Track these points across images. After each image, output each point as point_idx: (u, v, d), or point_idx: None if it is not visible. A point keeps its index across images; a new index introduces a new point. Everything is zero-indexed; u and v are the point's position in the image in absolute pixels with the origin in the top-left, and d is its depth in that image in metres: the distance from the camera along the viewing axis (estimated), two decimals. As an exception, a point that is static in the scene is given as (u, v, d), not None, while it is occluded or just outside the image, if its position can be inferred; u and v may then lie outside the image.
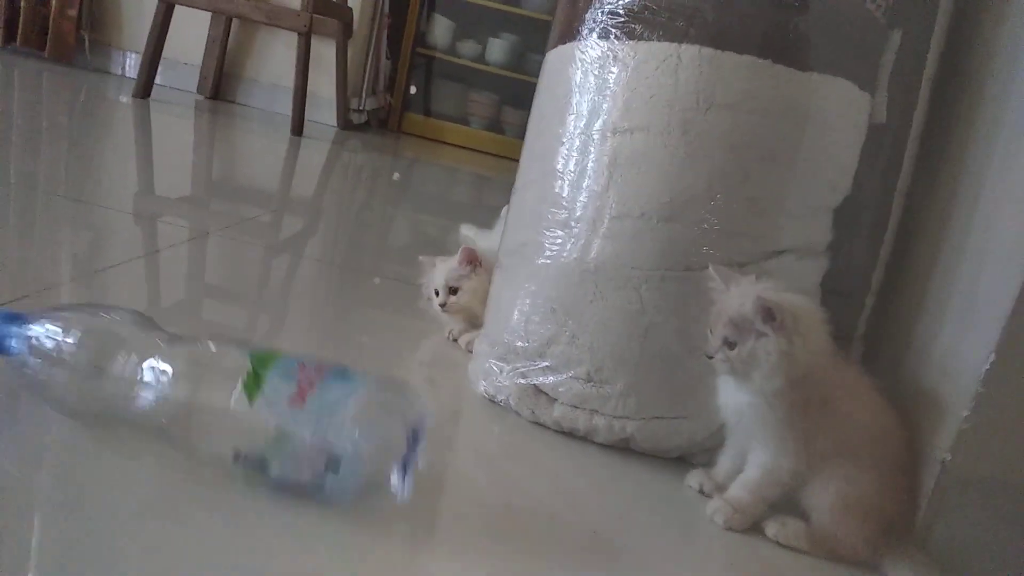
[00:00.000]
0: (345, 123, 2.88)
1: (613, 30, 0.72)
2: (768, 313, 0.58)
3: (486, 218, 1.18)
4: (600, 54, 0.73)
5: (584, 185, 0.74)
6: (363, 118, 3.16)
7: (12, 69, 2.49)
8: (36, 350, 0.54)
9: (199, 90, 2.88)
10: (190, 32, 2.77)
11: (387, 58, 3.28)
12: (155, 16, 2.43)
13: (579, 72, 0.75)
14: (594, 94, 0.73)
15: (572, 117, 0.76)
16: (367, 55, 3.12)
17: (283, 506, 0.51)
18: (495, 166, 2.94)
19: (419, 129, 3.50)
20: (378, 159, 2.42)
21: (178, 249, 1.07)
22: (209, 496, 0.51)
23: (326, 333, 0.93)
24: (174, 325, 0.59)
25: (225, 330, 0.84)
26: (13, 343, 0.55)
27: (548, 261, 0.75)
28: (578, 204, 0.74)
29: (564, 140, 0.76)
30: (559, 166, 0.76)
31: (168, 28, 2.46)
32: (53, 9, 2.81)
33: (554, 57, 0.81)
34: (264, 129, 2.46)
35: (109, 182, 1.38)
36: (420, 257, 0.99)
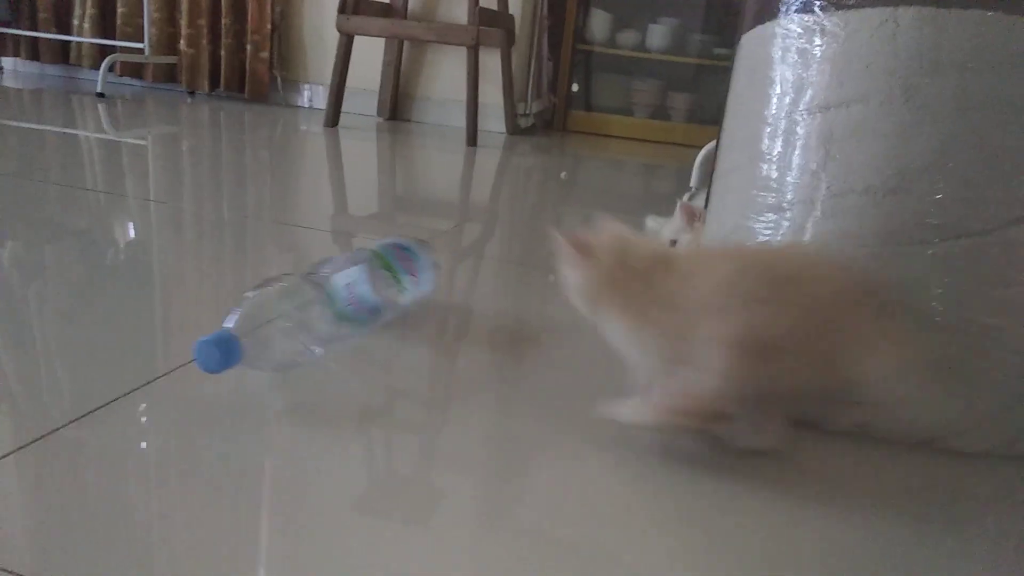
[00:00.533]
0: (513, 128, 2.96)
1: (817, 2, 0.70)
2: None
3: (661, 207, 1.17)
4: (804, 29, 0.71)
5: (795, 165, 0.72)
6: (530, 121, 3.23)
7: (219, 112, 2.78)
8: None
9: (378, 113, 3.07)
10: (367, 60, 2.96)
11: (548, 59, 3.33)
12: (338, 49, 2.62)
13: (780, 50, 0.74)
14: (800, 71, 0.72)
15: (776, 98, 0.74)
16: (529, 59, 3.18)
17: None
18: (662, 153, 2.91)
19: (583, 125, 3.52)
20: (546, 160, 2.47)
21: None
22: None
23: (516, 320, 0.97)
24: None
25: (423, 327, 0.90)
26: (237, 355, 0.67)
27: (762, 246, 0.74)
28: (789, 185, 0.72)
29: (769, 122, 0.75)
30: (765, 148, 0.75)
31: (350, 59, 2.65)
32: (248, 54, 3.10)
33: (751, 39, 0.80)
34: (440, 143, 2.58)
35: (307, 205, 1.52)
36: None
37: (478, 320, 0.97)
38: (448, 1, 3.01)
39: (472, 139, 2.53)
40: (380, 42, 3.01)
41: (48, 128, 2.12)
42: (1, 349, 0.74)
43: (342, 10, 2.60)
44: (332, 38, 3.09)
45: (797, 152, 0.72)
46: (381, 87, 3.06)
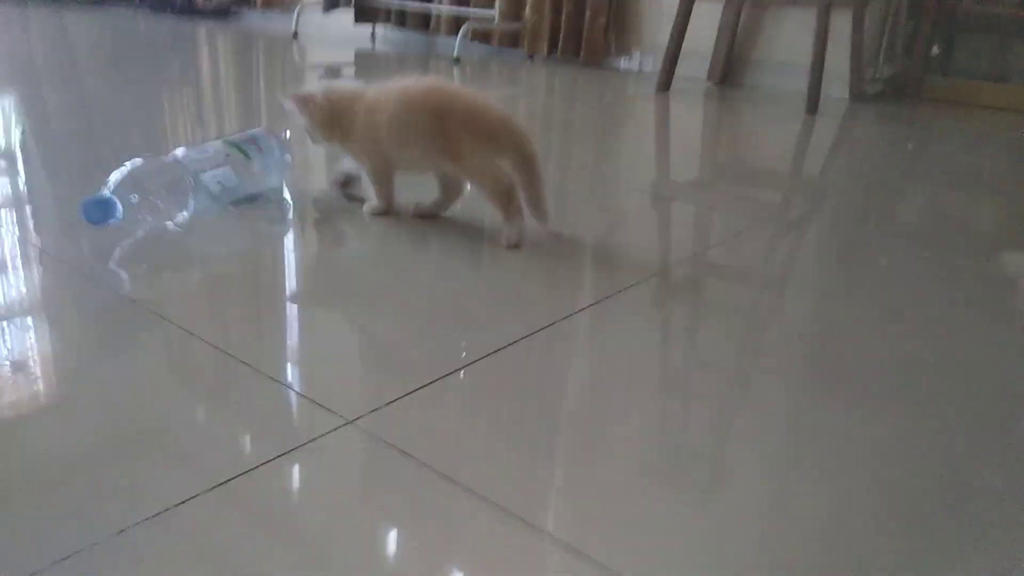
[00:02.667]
0: (859, 95, 2.69)
1: None
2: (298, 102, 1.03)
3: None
4: None
5: None
6: (878, 87, 2.91)
7: (554, 75, 2.90)
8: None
9: (709, 77, 2.98)
10: (702, 24, 2.88)
11: (907, 19, 2.96)
12: (678, 11, 2.59)
13: None
14: None
15: None
16: (885, 19, 2.85)
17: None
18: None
19: (943, 93, 3.09)
20: (891, 130, 2.21)
21: (681, 218, 1.13)
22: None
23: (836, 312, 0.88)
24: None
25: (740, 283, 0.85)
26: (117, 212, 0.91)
27: None
28: None
29: None
30: None
31: (688, 23, 2.60)
32: (587, 20, 3.19)
33: None
34: (774, 110, 2.43)
35: (630, 167, 1.52)
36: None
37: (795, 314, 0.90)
38: (797, -43, 2.80)
39: (813, 106, 2.34)
40: (718, 5, 2.91)
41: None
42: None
43: (683, -28, 2.55)
44: (667, 3, 3.05)
45: None
46: (715, 50, 2.96)
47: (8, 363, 0.64)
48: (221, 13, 4.72)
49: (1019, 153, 2.03)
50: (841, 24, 2.65)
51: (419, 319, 0.77)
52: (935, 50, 3.12)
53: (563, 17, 3.25)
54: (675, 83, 2.76)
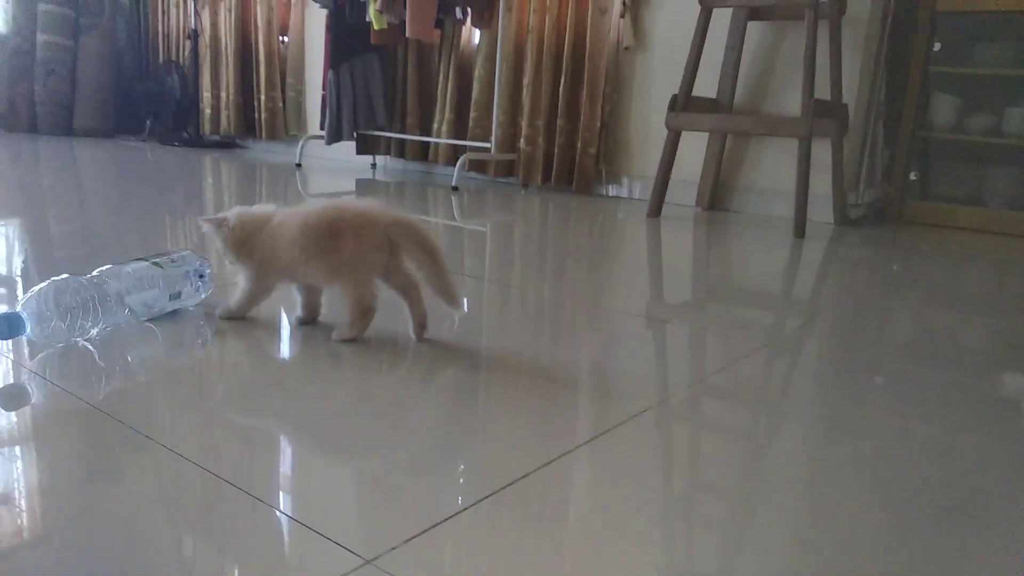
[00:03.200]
0: (842, 219, 2.78)
1: None
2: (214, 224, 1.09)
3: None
4: None
5: None
6: (861, 212, 3.01)
7: (548, 203, 3.00)
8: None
9: (697, 203, 3.08)
10: (688, 152, 3.01)
11: (884, 147, 3.10)
12: (665, 144, 2.71)
13: None
14: None
15: None
16: (863, 147, 2.99)
17: None
18: (1022, 248, 2.52)
19: (922, 216, 3.19)
20: (879, 253, 2.27)
21: (677, 341, 1.14)
22: None
23: (836, 424, 0.88)
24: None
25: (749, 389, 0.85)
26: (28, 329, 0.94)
27: None
28: None
29: None
30: None
31: (676, 153, 2.72)
32: (578, 150, 3.33)
33: None
34: (762, 233, 2.50)
35: (623, 289, 1.55)
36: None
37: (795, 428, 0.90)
38: (775, 92, 2.97)
39: (800, 230, 2.42)
40: (703, 135, 3.05)
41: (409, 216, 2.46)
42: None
43: (672, 108, 2.69)
44: (656, 133, 3.20)
45: None
46: (702, 177, 3.08)
47: None
48: (227, 144, 4.92)
49: (1001, 274, 2.08)
50: (821, 152, 2.78)
51: (416, 452, 0.77)
52: (912, 176, 3.25)
53: (555, 148, 3.40)
54: (665, 209, 2.85)
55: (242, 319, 1.15)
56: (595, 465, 0.74)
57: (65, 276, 1.01)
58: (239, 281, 1.15)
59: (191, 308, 1.20)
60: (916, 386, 1.05)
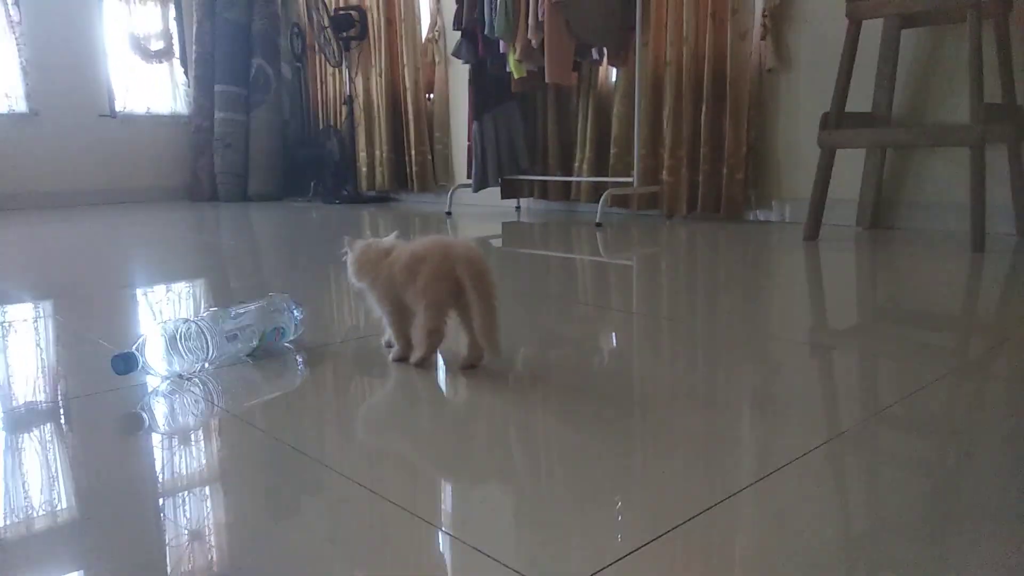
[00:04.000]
0: (1027, 230, 2.52)
1: None
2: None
3: None
4: None
5: None
6: (1050, 220, 2.72)
7: (696, 232, 2.93)
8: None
9: (858, 222, 2.91)
10: (845, 169, 2.85)
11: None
12: (819, 163, 2.59)
13: None
14: None
15: None
16: (1047, 150, 2.71)
17: None
18: None
19: None
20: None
21: (846, 370, 1.05)
22: None
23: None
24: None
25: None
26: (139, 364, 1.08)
27: None
28: None
29: None
30: None
31: (831, 173, 2.59)
32: (724, 176, 3.25)
33: None
34: (936, 251, 2.31)
35: (783, 317, 1.47)
36: None
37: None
38: (937, 100, 2.76)
39: (979, 244, 2.22)
40: (859, 151, 2.89)
41: (553, 253, 2.48)
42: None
43: (824, 126, 2.57)
44: (806, 153, 3.06)
45: None
46: (861, 195, 2.90)
47: (187, 532, 0.68)
48: (382, 199, 5.20)
49: None
50: (996, 159, 2.54)
51: (578, 490, 0.75)
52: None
53: (700, 176, 3.33)
54: (822, 231, 2.70)
55: (405, 359, 1.19)
56: (763, 508, 0.70)
57: (182, 319, 1.14)
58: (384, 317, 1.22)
59: (288, 345, 1.31)
60: None
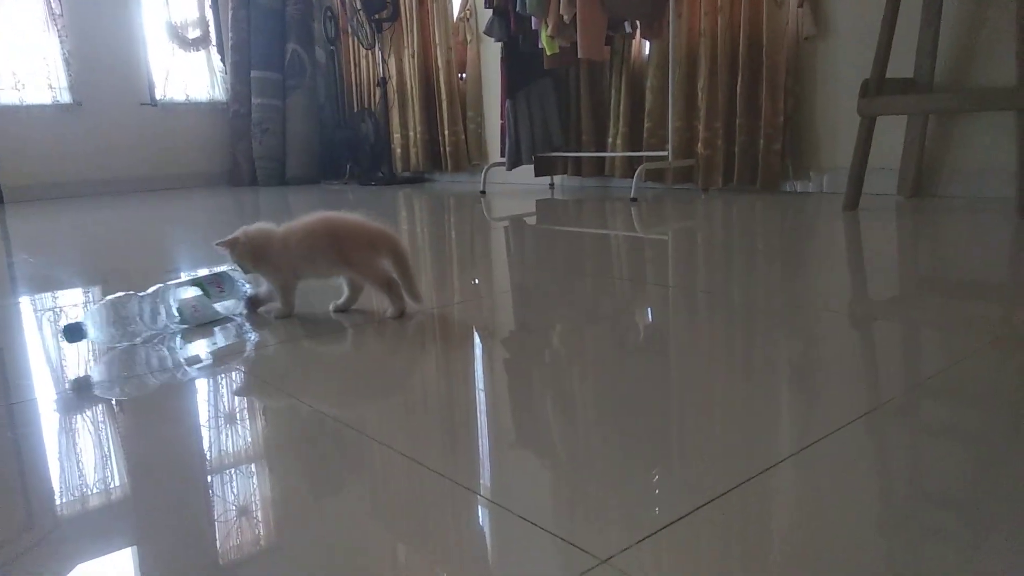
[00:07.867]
0: (1079, 195, 2.44)
1: None
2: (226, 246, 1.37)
3: None
4: None
5: None
6: (1103, 185, 2.63)
7: (732, 204, 2.90)
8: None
9: (899, 191, 2.85)
10: (885, 138, 2.79)
11: None
12: (859, 131, 2.53)
13: None
14: None
15: None
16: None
17: None
18: None
19: None
20: None
21: (889, 340, 1.04)
22: None
23: None
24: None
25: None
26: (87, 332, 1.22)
27: None
28: None
29: None
30: None
31: (871, 141, 2.53)
32: (761, 147, 3.20)
33: None
34: (981, 218, 2.26)
35: (822, 288, 1.45)
36: None
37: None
38: (981, 65, 2.68)
39: None
40: (900, 118, 2.82)
41: (588, 230, 2.48)
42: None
43: (863, 94, 2.51)
44: (846, 122, 3.00)
45: None
46: (903, 163, 2.84)
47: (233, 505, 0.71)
48: (417, 179, 5.23)
49: None
50: (1047, 123, 2.46)
51: (621, 462, 0.76)
52: None
53: (736, 148, 3.28)
54: (862, 200, 2.66)
55: (290, 315, 1.41)
56: (803, 480, 0.70)
57: (122, 293, 1.27)
58: (262, 287, 1.45)
59: (236, 317, 1.45)
60: None
